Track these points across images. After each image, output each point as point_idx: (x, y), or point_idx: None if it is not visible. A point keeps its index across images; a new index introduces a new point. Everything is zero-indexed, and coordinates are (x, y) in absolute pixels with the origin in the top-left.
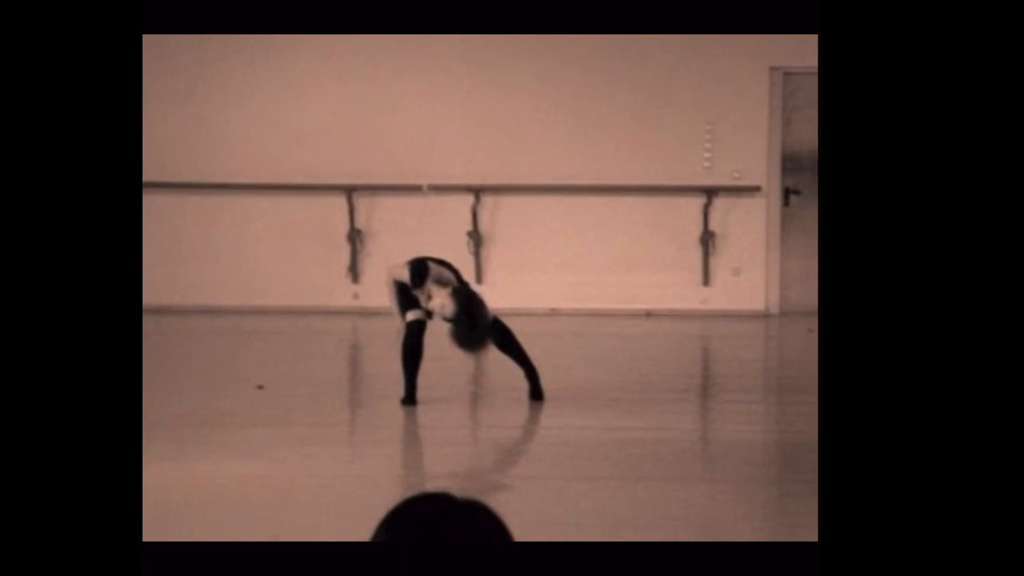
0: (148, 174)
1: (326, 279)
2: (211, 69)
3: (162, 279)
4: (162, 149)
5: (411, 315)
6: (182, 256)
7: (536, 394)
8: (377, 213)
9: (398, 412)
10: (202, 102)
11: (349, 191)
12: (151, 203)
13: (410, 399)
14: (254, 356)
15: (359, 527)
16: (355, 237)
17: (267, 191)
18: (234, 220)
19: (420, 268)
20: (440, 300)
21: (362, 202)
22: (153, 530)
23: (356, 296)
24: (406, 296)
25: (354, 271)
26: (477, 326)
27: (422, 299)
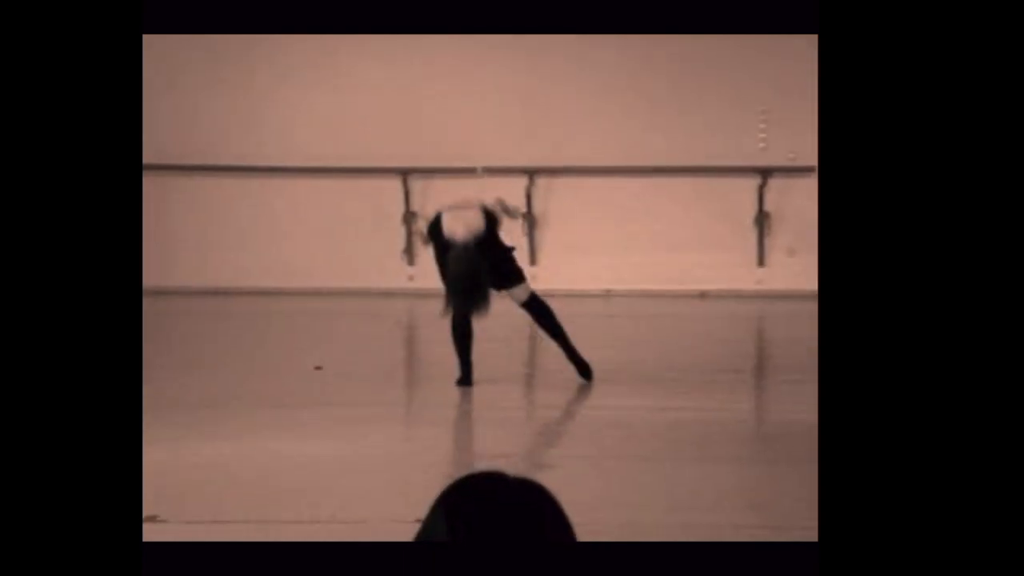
0: (205, 159)
1: (381, 261)
2: (267, 55)
3: (220, 262)
4: (219, 135)
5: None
6: (240, 239)
7: (584, 373)
8: (432, 195)
9: (453, 392)
10: (259, 87)
11: (404, 174)
12: (210, 187)
13: (465, 379)
14: (312, 338)
15: (413, 506)
16: (410, 219)
17: (323, 174)
18: (290, 203)
19: (435, 219)
20: (463, 226)
21: (417, 184)
22: (216, 507)
23: (411, 278)
24: (443, 252)
25: (409, 253)
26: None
27: (454, 238)
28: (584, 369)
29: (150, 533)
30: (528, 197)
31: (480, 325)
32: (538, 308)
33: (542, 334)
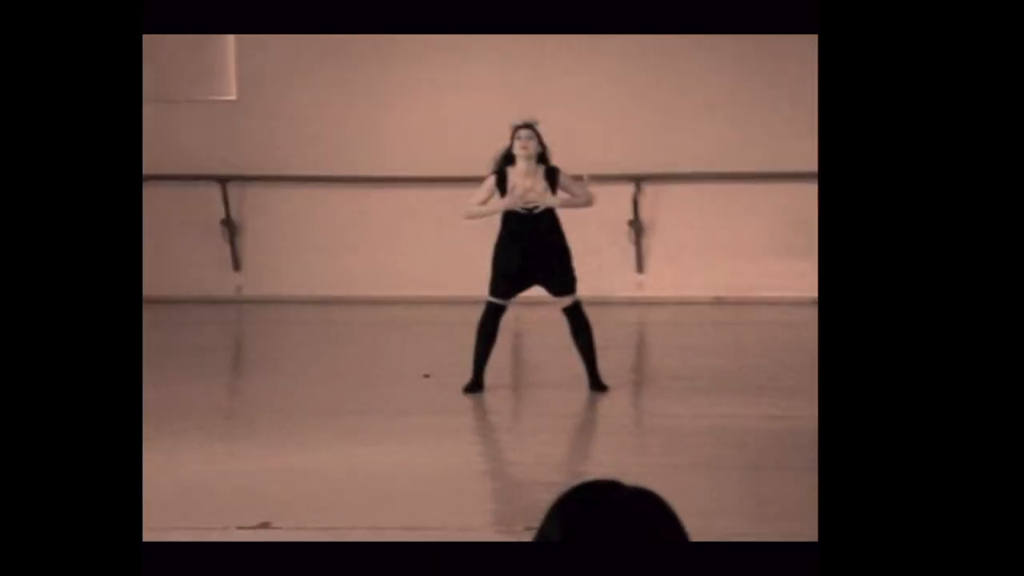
0: (314, 169)
1: (484, 270)
2: (370, 68)
3: (323, 271)
4: (325, 146)
5: (494, 299)
6: (343, 248)
7: (595, 384)
8: None
9: (560, 400)
10: (363, 99)
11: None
12: (322, 198)
13: (476, 385)
14: (418, 345)
15: (525, 514)
16: None
17: (423, 183)
18: (392, 212)
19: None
20: (530, 184)
21: None
22: (332, 513)
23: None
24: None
25: None
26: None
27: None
28: (598, 385)
29: (262, 539)
30: (635, 203)
31: (548, 329)
32: (580, 320)
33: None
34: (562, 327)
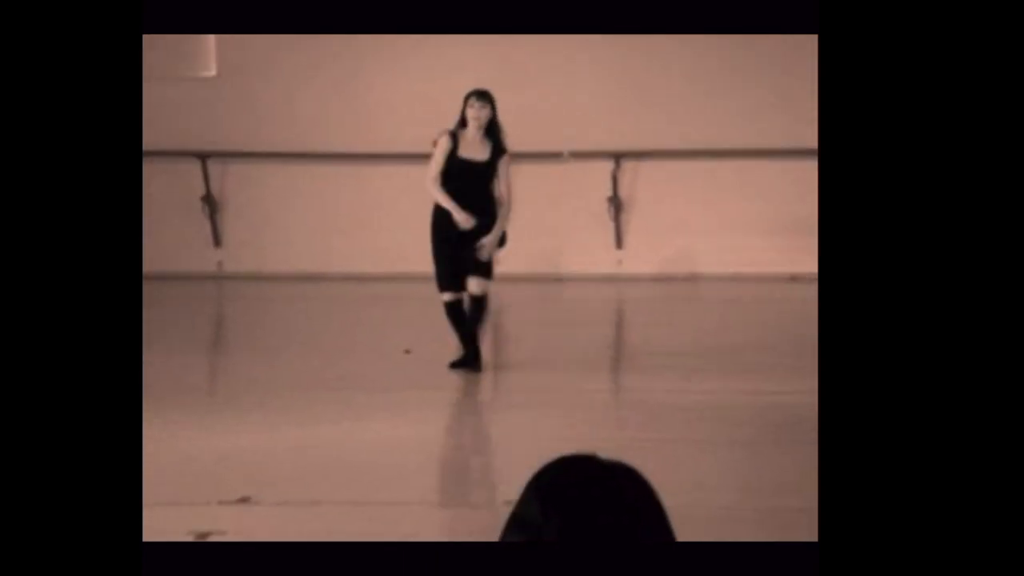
0: (294, 146)
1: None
2: (352, 43)
3: (309, 247)
4: (306, 122)
5: (447, 296)
6: (326, 224)
7: (464, 362)
8: (517, 180)
9: (539, 376)
10: (345, 75)
11: None
12: (302, 174)
13: (472, 361)
14: (399, 321)
15: (505, 488)
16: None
17: (403, 160)
18: (373, 188)
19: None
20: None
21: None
22: (315, 488)
23: (498, 262)
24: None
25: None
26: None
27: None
28: (473, 361)
29: (242, 514)
30: (614, 180)
31: (561, 308)
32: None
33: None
34: (541, 304)
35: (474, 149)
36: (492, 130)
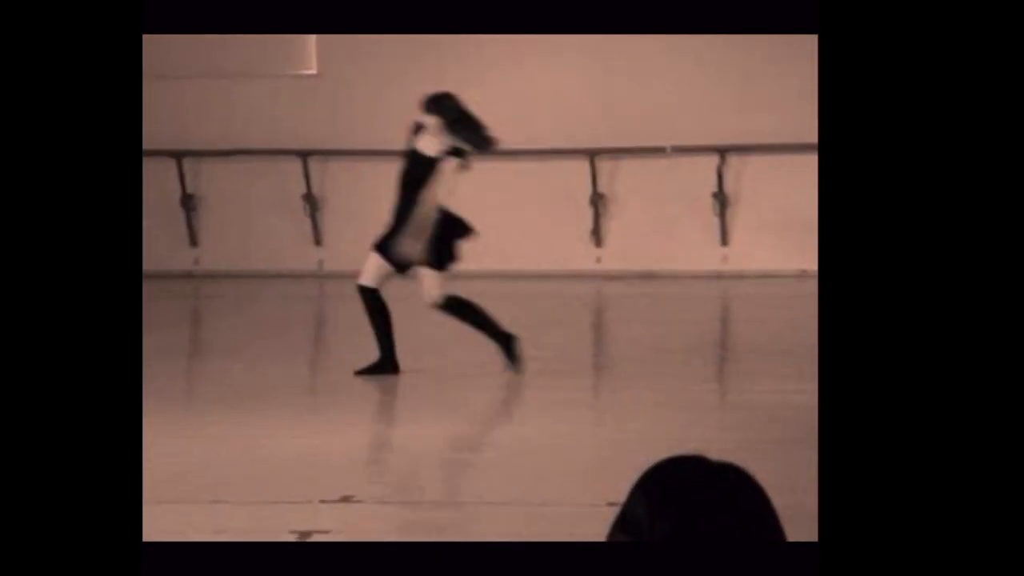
0: (394, 144)
1: (568, 244)
2: (452, 39)
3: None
4: (405, 120)
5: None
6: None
7: (378, 369)
8: (620, 176)
9: (642, 375)
10: (445, 72)
11: (591, 155)
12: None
13: (388, 365)
14: (503, 320)
15: (611, 488)
16: (597, 201)
17: (509, 157)
18: (479, 186)
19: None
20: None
21: (604, 165)
22: (421, 487)
23: (598, 260)
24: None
25: (597, 235)
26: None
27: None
28: (382, 369)
29: (344, 513)
30: (719, 176)
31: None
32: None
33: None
34: (644, 301)
35: (426, 142)
36: (456, 131)
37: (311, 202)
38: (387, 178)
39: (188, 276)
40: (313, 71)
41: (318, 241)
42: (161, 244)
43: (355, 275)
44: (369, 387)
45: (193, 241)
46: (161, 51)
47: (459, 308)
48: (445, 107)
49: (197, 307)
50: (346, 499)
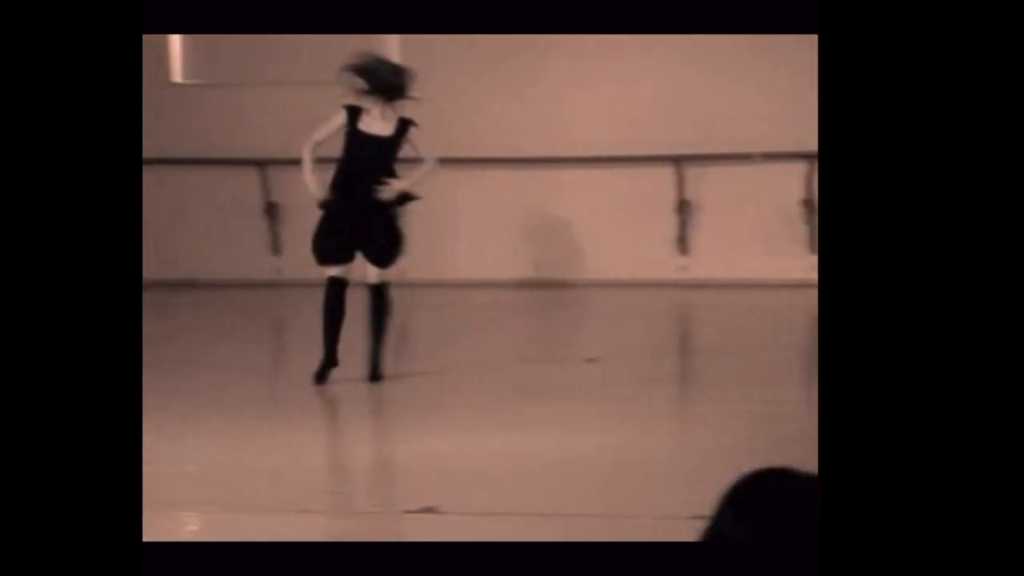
0: (488, 151)
1: (652, 251)
2: (534, 47)
3: (493, 254)
4: (497, 128)
5: (333, 269)
6: (517, 231)
7: (374, 378)
8: (706, 183)
9: (729, 384)
10: (537, 80)
11: (677, 161)
12: (484, 180)
13: (329, 363)
14: (584, 328)
15: (696, 501)
16: (683, 208)
17: (595, 164)
18: (562, 193)
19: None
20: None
21: (691, 172)
22: (504, 498)
23: (684, 268)
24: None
25: (683, 242)
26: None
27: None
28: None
29: (427, 525)
30: (808, 183)
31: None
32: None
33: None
34: (728, 311)
35: (378, 125)
36: (386, 94)
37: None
38: (471, 185)
39: (271, 285)
40: None
41: None
42: (243, 252)
43: (441, 284)
44: (448, 393)
45: (276, 250)
46: (244, 58)
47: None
48: (372, 75)
49: (282, 316)
50: (429, 510)
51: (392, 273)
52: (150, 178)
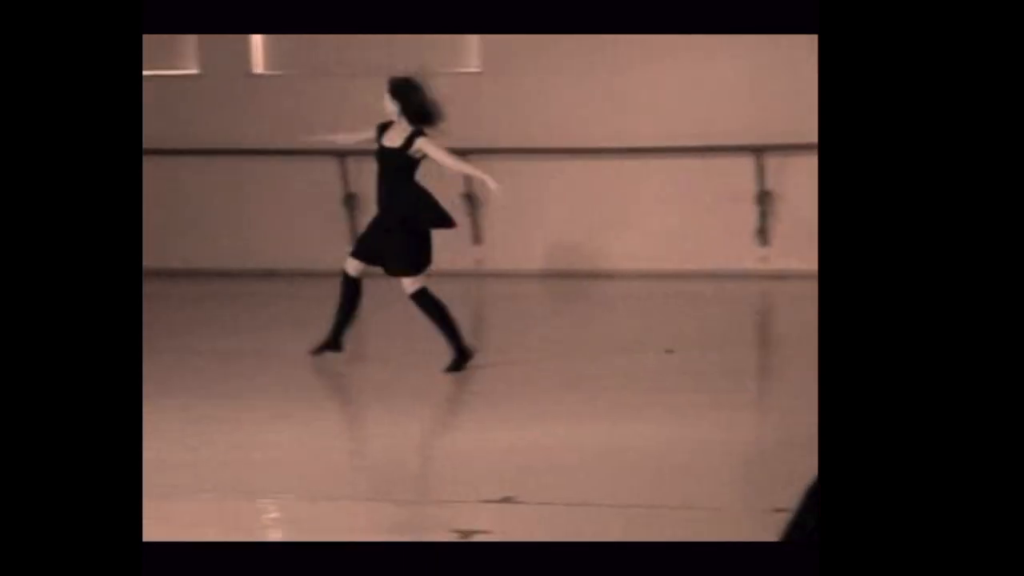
0: (563, 141)
1: (732, 242)
2: (612, 37)
3: (568, 244)
4: (568, 117)
5: (415, 285)
6: (581, 222)
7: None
8: (788, 174)
9: (809, 378)
10: (608, 69)
11: (758, 152)
12: (562, 170)
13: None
14: (663, 320)
15: (772, 494)
16: (763, 199)
17: (676, 154)
18: (641, 183)
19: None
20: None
21: (772, 162)
22: (585, 489)
23: (764, 259)
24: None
25: (763, 234)
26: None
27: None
28: (461, 360)
29: (504, 514)
30: None
31: None
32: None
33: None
34: (802, 303)
35: (391, 137)
36: (414, 119)
37: (471, 201)
38: (549, 177)
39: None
40: (478, 69)
41: (478, 239)
42: (318, 243)
43: (518, 275)
44: (538, 384)
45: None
46: (327, 49)
47: (430, 304)
48: (407, 97)
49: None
50: (507, 500)
51: (421, 280)
52: (232, 167)
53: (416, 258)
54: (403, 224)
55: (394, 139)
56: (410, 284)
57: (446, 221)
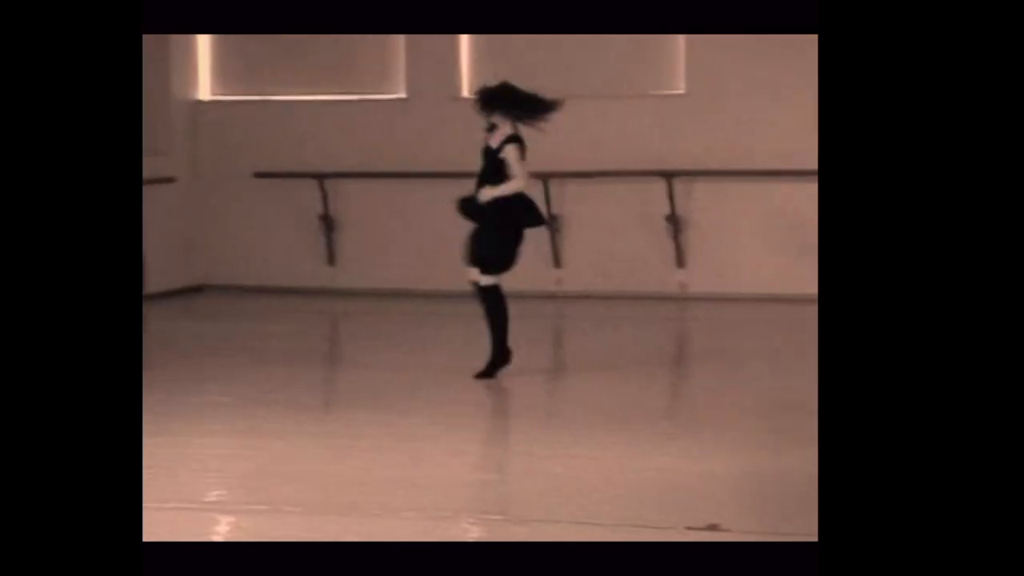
0: (755, 163)
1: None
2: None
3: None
4: (767, 139)
5: (486, 279)
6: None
7: (490, 372)
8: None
9: None
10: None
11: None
12: (765, 192)
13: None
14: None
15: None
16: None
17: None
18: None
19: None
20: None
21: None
22: (789, 519)
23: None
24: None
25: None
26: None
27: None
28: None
29: (709, 543)
30: None
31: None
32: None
33: None
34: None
35: (491, 137)
36: (527, 114)
37: (675, 222)
38: (750, 198)
39: (550, 297)
40: (681, 91)
41: (680, 263)
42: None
43: (717, 298)
44: (721, 413)
45: (556, 262)
46: (531, 72)
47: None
48: (505, 104)
49: (560, 326)
50: (712, 527)
51: (491, 279)
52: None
53: (500, 254)
54: (496, 221)
55: (493, 140)
56: (486, 278)
57: (539, 220)
